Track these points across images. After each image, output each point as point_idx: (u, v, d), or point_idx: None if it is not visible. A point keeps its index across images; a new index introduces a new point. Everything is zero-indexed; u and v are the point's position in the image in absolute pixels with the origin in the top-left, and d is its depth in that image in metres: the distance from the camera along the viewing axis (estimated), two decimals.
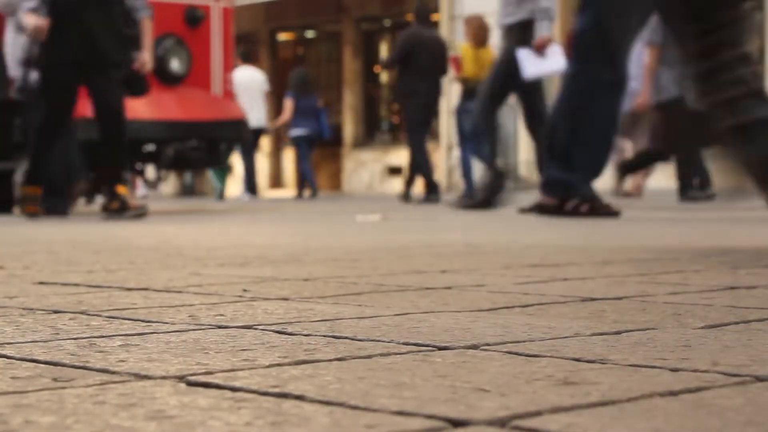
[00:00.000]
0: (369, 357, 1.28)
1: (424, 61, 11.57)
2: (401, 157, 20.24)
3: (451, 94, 18.68)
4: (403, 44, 11.67)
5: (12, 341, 1.44)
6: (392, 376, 1.15)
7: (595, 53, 5.05)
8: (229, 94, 10.36)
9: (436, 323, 1.59)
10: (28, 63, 7.30)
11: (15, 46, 7.80)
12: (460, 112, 11.74)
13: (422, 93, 11.64)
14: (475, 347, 1.35)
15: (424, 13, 12.06)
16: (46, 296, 2.04)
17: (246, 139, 10.71)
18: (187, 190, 22.07)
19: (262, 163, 20.50)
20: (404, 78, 11.81)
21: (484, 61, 11.55)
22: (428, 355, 1.29)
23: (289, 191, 22.83)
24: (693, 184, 10.17)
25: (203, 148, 9.86)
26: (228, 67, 10.47)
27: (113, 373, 1.19)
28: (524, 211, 6.09)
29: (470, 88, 11.39)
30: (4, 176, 9.67)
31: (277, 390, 1.07)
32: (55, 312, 1.78)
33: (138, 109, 9.55)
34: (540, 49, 8.21)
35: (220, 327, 1.58)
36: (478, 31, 11.67)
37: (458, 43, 18.79)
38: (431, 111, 12.02)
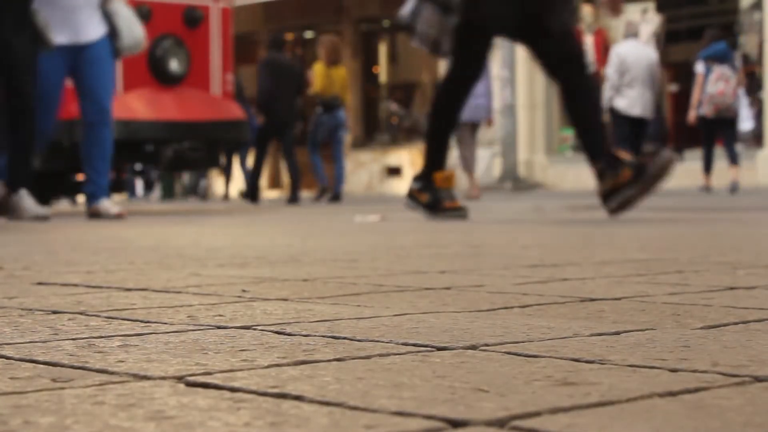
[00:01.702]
0: (368, 357, 1.28)
1: (283, 83, 13.11)
2: (401, 157, 20.23)
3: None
4: (270, 72, 13.21)
5: (11, 342, 1.44)
6: (391, 376, 1.15)
7: None
8: (228, 94, 10.35)
9: (435, 324, 1.59)
10: (445, 6, 5.73)
11: None
12: (315, 123, 13.73)
13: (278, 111, 13.19)
14: (474, 348, 1.35)
15: (279, 42, 13.69)
16: (45, 297, 2.04)
17: (246, 139, 10.75)
18: (187, 191, 22.11)
19: None
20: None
21: (335, 78, 13.54)
22: (427, 356, 1.29)
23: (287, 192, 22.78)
24: None
25: (202, 149, 9.85)
26: (227, 68, 10.46)
27: (112, 373, 1.19)
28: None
29: (323, 101, 13.52)
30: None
31: (276, 390, 1.07)
32: (54, 312, 1.78)
33: (136, 109, 9.55)
34: None
35: (219, 327, 1.58)
36: (331, 52, 13.71)
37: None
38: (288, 126, 13.45)
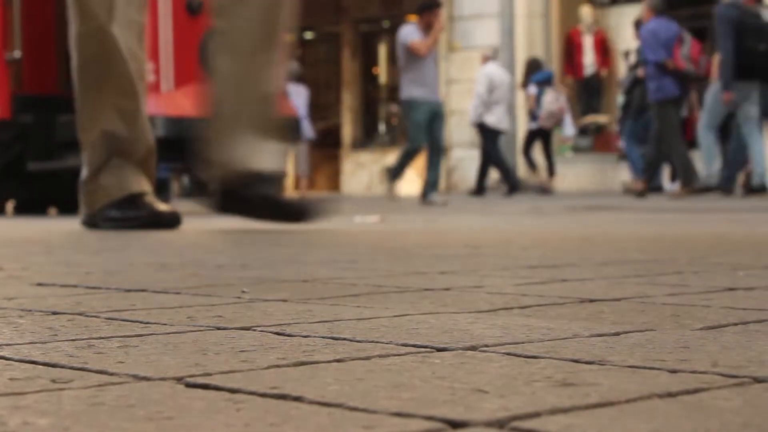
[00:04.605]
0: (368, 358, 1.28)
1: None
2: None
3: (450, 101, 18.68)
4: None
5: (10, 342, 1.44)
6: (391, 377, 1.15)
7: None
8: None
9: (434, 324, 1.59)
10: None
11: None
12: None
13: None
14: (473, 348, 1.35)
15: None
16: (45, 297, 2.04)
17: (297, 137, 10.70)
18: (187, 191, 22.10)
19: None
20: None
21: None
22: (427, 357, 1.29)
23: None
24: None
25: None
26: None
27: (111, 374, 1.19)
28: None
29: None
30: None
31: (275, 391, 1.07)
32: (54, 313, 1.78)
33: (186, 106, 9.39)
34: None
35: (218, 328, 1.58)
36: None
37: (457, 44, 18.83)
38: None
